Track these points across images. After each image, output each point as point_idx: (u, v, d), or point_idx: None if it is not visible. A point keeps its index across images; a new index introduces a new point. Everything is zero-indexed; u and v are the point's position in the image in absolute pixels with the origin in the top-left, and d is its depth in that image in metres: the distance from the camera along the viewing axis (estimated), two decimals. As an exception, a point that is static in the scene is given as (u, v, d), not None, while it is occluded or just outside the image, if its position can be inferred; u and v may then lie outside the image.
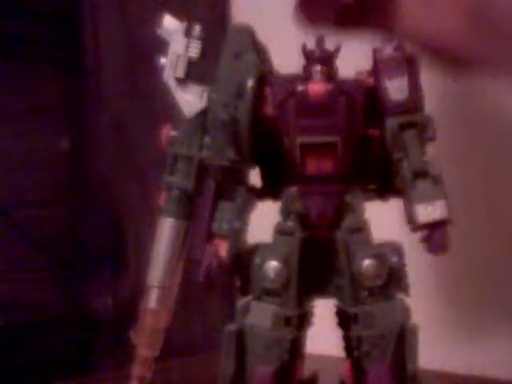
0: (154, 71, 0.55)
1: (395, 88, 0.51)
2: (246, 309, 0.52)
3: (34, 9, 0.90)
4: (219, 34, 0.54)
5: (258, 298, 0.52)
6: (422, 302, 0.53)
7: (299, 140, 0.51)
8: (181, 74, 0.55)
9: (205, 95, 0.54)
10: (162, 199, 0.56)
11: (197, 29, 0.56)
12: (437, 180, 0.51)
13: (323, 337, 0.57)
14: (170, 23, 0.55)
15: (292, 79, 0.53)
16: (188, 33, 0.55)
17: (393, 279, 0.51)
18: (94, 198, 0.94)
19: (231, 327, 0.52)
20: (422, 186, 0.50)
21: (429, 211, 0.50)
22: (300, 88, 0.51)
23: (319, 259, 0.52)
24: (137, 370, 0.56)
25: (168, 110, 0.57)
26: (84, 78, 0.94)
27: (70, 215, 0.93)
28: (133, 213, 0.94)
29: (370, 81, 0.52)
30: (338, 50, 0.52)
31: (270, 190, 0.55)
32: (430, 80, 0.52)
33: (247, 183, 0.55)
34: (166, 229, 0.56)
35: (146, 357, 0.56)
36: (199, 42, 0.55)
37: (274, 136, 0.53)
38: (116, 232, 0.93)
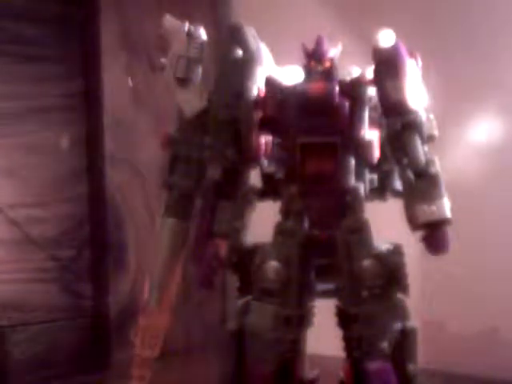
0: (155, 71, 0.55)
1: (395, 88, 0.51)
2: (246, 309, 0.52)
3: (35, 9, 0.90)
4: (219, 34, 0.54)
5: (258, 298, 0.52)
6: (422, 301, 0.53)
7: (299, 140, 0.51)
8: (181, 74, 0.55)
9: (205, 95, 0.54)
10: (163, 199, 0.56)
11: (197, 29, 0.56)
12: (436, 180, 0.51)
13: (323, 337, 0.57)
14: (170, 23, 0.55)
15: (292, 79, 0.53)
16: (188, 33, 0.55)
17: (393, 279, 0.51)
18: (94, 198, 0.94)
19: (231, 327, 0.52)
20: (422, 186, 0.50)
21: (429, 211, 0.50)
22: (300, 88, 0.51)
23: (319, 259, 0.52)
24: (136, 369, 0.56)
25: (168, 110, 0.57)
26: (84, 78, 0.94)
27: (71, 215, 0.93)
28: (133, 213, 0.94)
29: (371, 81, 0.52)
30: (338, 50, 0.52)
31: (270, 190, 0.55)
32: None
33: (247, 183, 0.55)
34: (167, 229, 0.56)
35: (145, 357, 0.56)
36: (199, 42, 0.55)
37: (274, 136, 0.53)
38: (116, 232, 0.93)
